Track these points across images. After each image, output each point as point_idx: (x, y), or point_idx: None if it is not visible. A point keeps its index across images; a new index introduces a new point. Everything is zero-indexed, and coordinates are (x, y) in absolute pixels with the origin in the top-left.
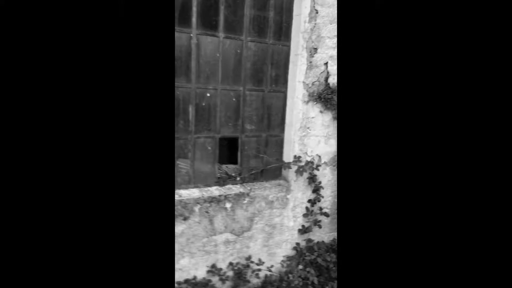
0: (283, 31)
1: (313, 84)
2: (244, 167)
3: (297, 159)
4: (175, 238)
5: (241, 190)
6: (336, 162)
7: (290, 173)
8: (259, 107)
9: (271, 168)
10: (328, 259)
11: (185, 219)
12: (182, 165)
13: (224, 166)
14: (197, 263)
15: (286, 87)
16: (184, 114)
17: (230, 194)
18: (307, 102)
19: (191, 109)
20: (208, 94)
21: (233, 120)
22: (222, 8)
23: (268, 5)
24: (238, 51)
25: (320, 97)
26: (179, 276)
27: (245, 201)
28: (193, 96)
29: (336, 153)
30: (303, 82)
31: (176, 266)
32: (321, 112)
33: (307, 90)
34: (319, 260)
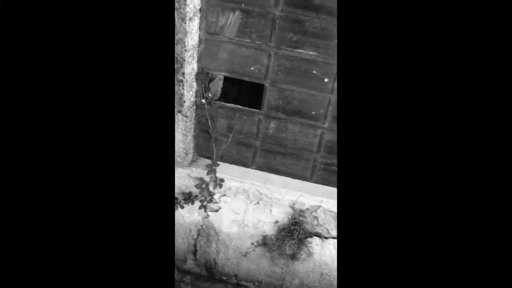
0: None
1: None
2: (217, 104)
3: None
4: None
5: (185, 99)
6: None
7: None
8: None
9: (209, 147)
10: None
11: None
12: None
13: (221, 77)
14: None
15: None
16: None
17: (181, 84)
18: None
19: None
20: None
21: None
22: None
23: None
24: None
25: None
26: None
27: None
28: None
29: None
30: None
31: None
32: None
33: None
34: None
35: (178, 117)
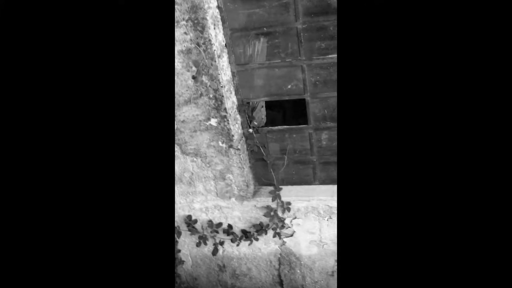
0: None
1: None
2: (266, 135)
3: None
4: None
5: (235, 136)
6: None
7: None
8: None
9: (268, 174)
10: None
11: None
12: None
13: (263, 105)
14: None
15: None
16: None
17: (227, 121)
18: None
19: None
20: None
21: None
22: None
23: None
24: None
25: None
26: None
27: (221, 144)
28: None
29: None
30: None
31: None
32: None
33: None
34: None
35: (231, 152)
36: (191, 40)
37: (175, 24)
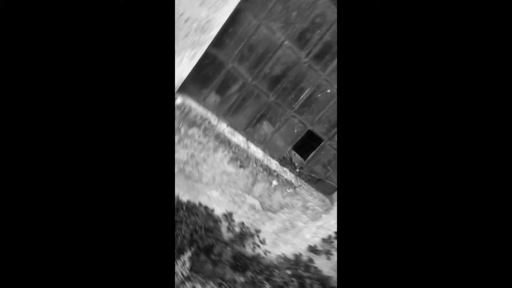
0: None
1: None
2: (308, 166)
3: None
4: (223, 173)
5: (293, 180)
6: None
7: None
8: None
9: (327, 184)
10: None
11: (241, 166)
12: (265, 128)
13: (293, 152)
14: (221, 202)
15: None
16: (299, 91)
17: (282, 176)
18: None
19: (307, 91)
20: (329, 90)
21: (331, 125)
22: None
23: None
24: None
25: None
26: (204, 200)
27: (288, 191)
28: (317, 83)
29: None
30: None
31: (208, 192)
32: None
33: None
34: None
35: (297, 190)
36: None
37: None
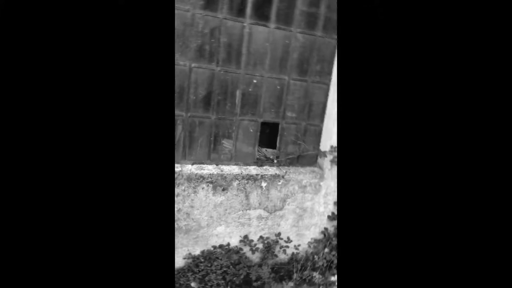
0: (332, 25)
1: None
2: (282, 151)
3: (333, 149)
4: (215, 207)
5: (277, 172)
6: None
7: (326, 162)
8: (301, 96)
9: (307, 155)
10: None
11: (224, 189)
12: (226, 145)
13: (263, 149)
14: (231, 232)
15: (329, 79)
16: (232, 98)
17: (266, 175)
18: None
19: (238, 93)
20: (255, 81)
21: (276, 107)
22: (275, 1)
23: (319, 2)
24: (287, 41)
25: None
26: (215, 241)
27: (280, 183)
28: (241, 81)
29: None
30: None
31: (213, 231)
32: None
33: None
34: None
35: (286, 178)
36: None
37: None
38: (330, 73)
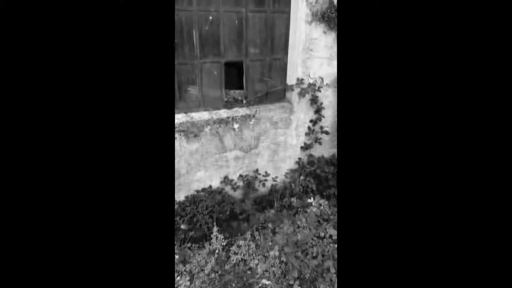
0: None
1: (316, 2)
2: (249, 90)
3: (299, 81)
4: (191, 154)
5: (247, 112)
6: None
7: (293, 95)
8: (262, 29)
9: (275, 91)
10: (327, 170)
11: (196, 136)
12: (192, 91)
13: (231, 91)
14: (211, 175)
15: (289, 7)
16: (189, 39)
17: (237, 116)
18: (310, 22)
19: (195, 33)
20: (211, 17)
21: (237, 44)
22: None
23: None
24: None
25: (324, 16)
26: (197, 186)
27: (251, 122)
28: (196, 19)
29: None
30: (306, 0)
31: (194, 177)
32: (324, 32)
33: (310, 9)
34: (318, 171)
35: (256, 115)
36: None
37: None
38: (289, 0)
